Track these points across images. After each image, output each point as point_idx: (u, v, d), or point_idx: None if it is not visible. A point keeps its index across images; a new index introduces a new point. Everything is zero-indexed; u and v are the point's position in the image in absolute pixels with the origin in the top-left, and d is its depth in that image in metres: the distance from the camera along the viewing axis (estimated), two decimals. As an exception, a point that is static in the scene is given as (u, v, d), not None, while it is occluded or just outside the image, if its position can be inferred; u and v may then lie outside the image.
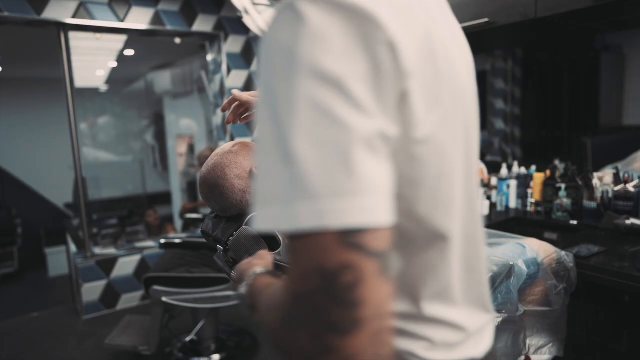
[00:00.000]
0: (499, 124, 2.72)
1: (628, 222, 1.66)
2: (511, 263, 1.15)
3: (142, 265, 3.23)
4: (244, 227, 0.93)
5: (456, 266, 0.53)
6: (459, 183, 0.52)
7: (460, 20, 1.93)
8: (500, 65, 2.67)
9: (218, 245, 1.03)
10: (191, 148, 5.17)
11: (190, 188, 5.22)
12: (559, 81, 2.42)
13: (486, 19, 1.83)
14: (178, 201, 5.26)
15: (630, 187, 1.76)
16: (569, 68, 2.36)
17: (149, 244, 3.37)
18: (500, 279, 1.11)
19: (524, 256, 1.30)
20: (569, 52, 2.35)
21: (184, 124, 5.01)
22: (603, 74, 2.25)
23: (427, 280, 0.51)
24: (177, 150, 5.22)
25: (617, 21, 1.96)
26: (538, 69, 2.55)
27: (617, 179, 1.89)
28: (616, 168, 1.99)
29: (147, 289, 2.24)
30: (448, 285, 0.53)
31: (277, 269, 0.97)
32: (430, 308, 0.52)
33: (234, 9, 3.32)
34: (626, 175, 1.83)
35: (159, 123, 5.48)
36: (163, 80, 4.72)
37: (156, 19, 3.05)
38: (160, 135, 5.47)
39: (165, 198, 5.57)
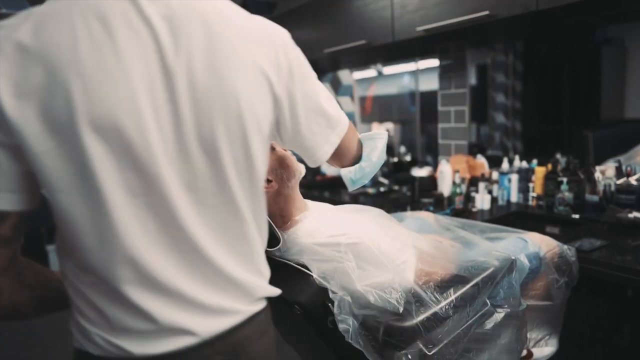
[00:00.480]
0: (500, 118, 2.71)
1: (631, 215, 1.65)
2: (513, 257, 1.14)
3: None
4: None
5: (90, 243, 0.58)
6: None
7: (460, 13, 1.92)
8: (501, 59, 2.65)
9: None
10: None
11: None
12: (559, 74, 2.41)
13: (487, 12, 1.81)
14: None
15: (632, 180, 1.75)
16: (570, 61, 2.34)
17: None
18: (502, 273, 1.10)
19: (526, 250, 1.29)
20: (569, 46, 2.33)
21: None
22: (604, 67, 2.23)
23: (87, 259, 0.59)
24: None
25: (618, 14, 1.94)
26: (539, 63, 2.54)
27: (619, 173, 1.88)
28: (618, 161, 1.98)
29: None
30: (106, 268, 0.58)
31: (277, 266, 0.96)
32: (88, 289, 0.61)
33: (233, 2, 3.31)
34: (629, 169, 1.82)
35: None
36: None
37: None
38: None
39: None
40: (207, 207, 0.61)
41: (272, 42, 0.65)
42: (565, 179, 1.91)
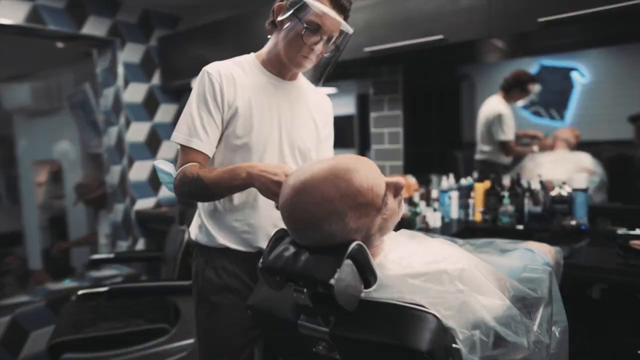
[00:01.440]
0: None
1: (573, 222, 1.86)
2: (549, 268, 1.15)
3: (15, 329, 2.47)
4: (348, 261, 0.72)
5: None
6: None
7: (411, 36, 1.91)
8: (382, 88, 2.79)
9: (294, 286, 0.78)
10: (55, 176, 4.31)
11: (55, 224, 4.32)
12: (431, 104, 2.66)
13: (441, 36, 1.88)
14: (35, 241, 4.32)
15: (563, 192, 1.98)
16: (439, 92, 2.63)
17: (23, 299, 2.61)
18: (549, 288, 1.09)
19: (536, 261, 1.31)
20: (438, 79, 2.62)
21: (45, 148, 4.16)
22: (463, 97, 2.56)
23: None
24: (35, 180, 4.31)
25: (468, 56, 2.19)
26: (414, 93, 2.72)
27: (543, 187, 2.12)
28: (539, 176, 2.24)
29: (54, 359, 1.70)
30: None
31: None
32: None
33: (132, 12, 2.88)
34: (549, 185, 2.07)
35: (5, 147, 4.46)
36: (16, 94, 3.85)
37: (33, 16, 2.44)
38: (8, 162, 4.45)
39: (14, 239, 4.52)
40: None
41: None
42: (506, 193, 2.07)
